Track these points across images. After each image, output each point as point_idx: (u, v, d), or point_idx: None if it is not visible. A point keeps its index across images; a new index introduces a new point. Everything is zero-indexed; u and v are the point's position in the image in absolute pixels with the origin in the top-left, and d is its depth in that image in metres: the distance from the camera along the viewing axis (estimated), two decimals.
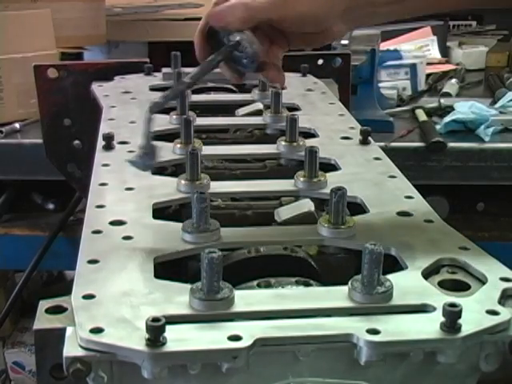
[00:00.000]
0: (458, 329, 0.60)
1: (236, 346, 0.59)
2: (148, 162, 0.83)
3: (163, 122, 1.16)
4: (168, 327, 0.59)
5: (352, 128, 1.14)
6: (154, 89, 1.37)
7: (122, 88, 1.36)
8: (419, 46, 2.46)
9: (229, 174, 1.04)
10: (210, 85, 1.43)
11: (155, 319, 0.58)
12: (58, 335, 0.61)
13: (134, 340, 0.59)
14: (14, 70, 1.79)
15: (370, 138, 1.08)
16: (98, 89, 1.35)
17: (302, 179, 0.92)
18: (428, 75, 2.23)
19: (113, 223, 0.81)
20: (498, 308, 0.64)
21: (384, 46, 2.22)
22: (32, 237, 1.77)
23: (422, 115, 1.88)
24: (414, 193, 0.91)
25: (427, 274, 0.71)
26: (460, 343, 0.60)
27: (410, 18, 0.95)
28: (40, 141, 1.54)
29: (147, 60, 1.49)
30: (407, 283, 0.69)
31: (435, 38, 2.51)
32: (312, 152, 0.91)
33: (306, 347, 0.61)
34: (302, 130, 1.08)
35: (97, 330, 0.60)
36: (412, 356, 0.61)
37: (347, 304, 0.65)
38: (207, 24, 0.83)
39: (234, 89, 1.44)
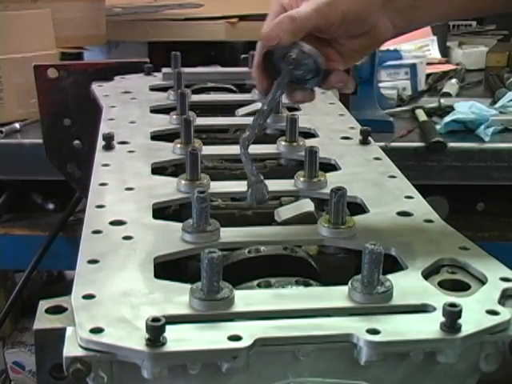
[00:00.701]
0: (458, 329, 0.60)
1: (236, 346, 0.59)
2: (259, 195, 0.81)
3: (163, 122, 1.16)
4: (168, 327, 0.59)
5: (352, 128, 1.14)
6: (153, 89, 1.37)
7: (122, 88, 1.36)
8: (419, 46, 2.46)
9: (229, 174, 1.04)
10: (210, 85, 1.43)
11: (155, 319, 0.58)
12: (58, 335, 0.61)
13: (134, 340, 0.59)
14: (14, 70, 1.79)
15: (370, 138, 1.08)
16: (98, 89, 1.35)
17: (302, 179, 0.92)
18: (428, 75, 2.23)
19: (113, 223, 0.81)
20: (498, 308, 0.64)
21: (384, 45, 2.22)
22: (32, 237, 1.77)
23: (422, 115, 1.88)
24: (414, 193, 0.91)
25: (427, 274, 0.71)
26: (460, 343, 0.60)
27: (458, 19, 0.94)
28: (40, 141, 1.54)
29: (147, 60, 1.49)
30: (407, 283, 0.69)
31: (435, 37, 2.51)
32: (312, 152, 0.91)
33: (306, 347, 0.61)
34: (302, 130, 1.08)
35: (97, 330, 0.60)
36: (412, 356, 0.61)
37: (347, 304, 0.65)
38: (263, 49, 0.83)
39: (234, 89, 1.44)
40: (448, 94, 2.09)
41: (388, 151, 1.05)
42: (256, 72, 0.85)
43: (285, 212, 0.88)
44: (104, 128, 1.12)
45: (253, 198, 0.82)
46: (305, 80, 0.84)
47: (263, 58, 0.84)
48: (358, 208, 0.87)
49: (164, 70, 1.43)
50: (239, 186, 0.96)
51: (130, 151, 1.04)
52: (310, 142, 1.04)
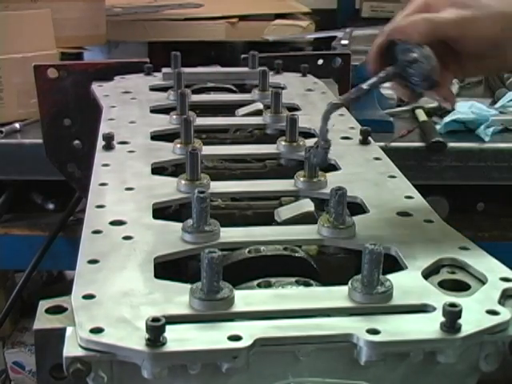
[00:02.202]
0: (458, 329, 0.60)
1: (236, 346, 0.59)
2: (319, 160, 0.86)
3: (163, 122, 1.16)
4: (168, 327, 0.59)
5: (352, 128, 1.14)
6: (153, 89, 1.37)
7: (122, 88, 1.36)
8: None
9: (229, 174, 1.04)
10: (210, 85, 1.43)
11: (155, 319, 0.58)
12: (58, 335, 0.61)
13: (134, 340, 0.59)
14: (14, 70, 1.79)
15: (370, 138, 1.08)
16: (98, 89, 1.35)
17: (301, 179, 0.92)
18: None
19: (113, 223, 0.81)
20: (498, 308, 0.64)
21: None
22: (32, 237, 1.77)
23: (422, 115, 1.87)
24: (414, 193, 0.90)
25: (427, 274, 0.71)
26: (460, 343, 0.60)
27: None
28: (40, 141, 1.54)
29: (147, 60, 1.49)
30: (407, 283, 0.69)
31: None
32: None
33: (306, 347, 0.61)
34: (301, 130, 1.08)
35: (97, 330, 0.60)
36: (412, 356, 0.61)
37: (347, 304, 0.65)
38: (387, 37, 0.85)
39: (234, 89, 1.44)
40: None
41: (388, 151, 1.05)
42: (374, 52, 0.87)
43: (285, 212, 0.88)
44: (104, 128, 1.12)
45: (313, 159, 0.87)
46: (412, 80, 0.84)
47: (387, 41, 0.85)
48: (357, 208, 0.87)
49: (164, 69, 1.43)
50: (239, 186, 0.96)
51: (130, 151, 1.04)
52: (310, 142, 1.04)
